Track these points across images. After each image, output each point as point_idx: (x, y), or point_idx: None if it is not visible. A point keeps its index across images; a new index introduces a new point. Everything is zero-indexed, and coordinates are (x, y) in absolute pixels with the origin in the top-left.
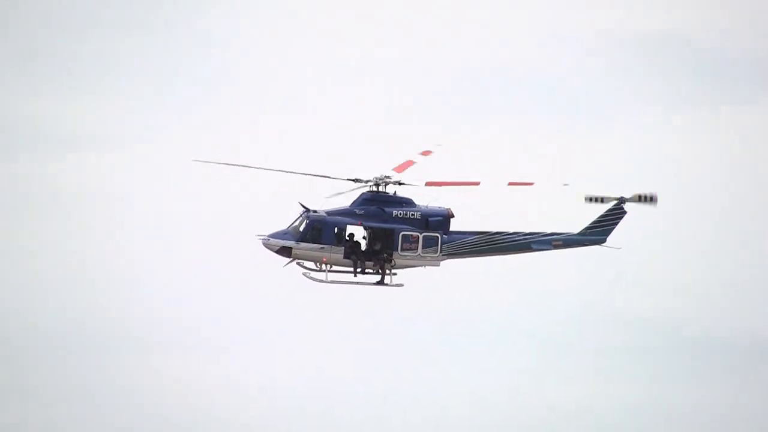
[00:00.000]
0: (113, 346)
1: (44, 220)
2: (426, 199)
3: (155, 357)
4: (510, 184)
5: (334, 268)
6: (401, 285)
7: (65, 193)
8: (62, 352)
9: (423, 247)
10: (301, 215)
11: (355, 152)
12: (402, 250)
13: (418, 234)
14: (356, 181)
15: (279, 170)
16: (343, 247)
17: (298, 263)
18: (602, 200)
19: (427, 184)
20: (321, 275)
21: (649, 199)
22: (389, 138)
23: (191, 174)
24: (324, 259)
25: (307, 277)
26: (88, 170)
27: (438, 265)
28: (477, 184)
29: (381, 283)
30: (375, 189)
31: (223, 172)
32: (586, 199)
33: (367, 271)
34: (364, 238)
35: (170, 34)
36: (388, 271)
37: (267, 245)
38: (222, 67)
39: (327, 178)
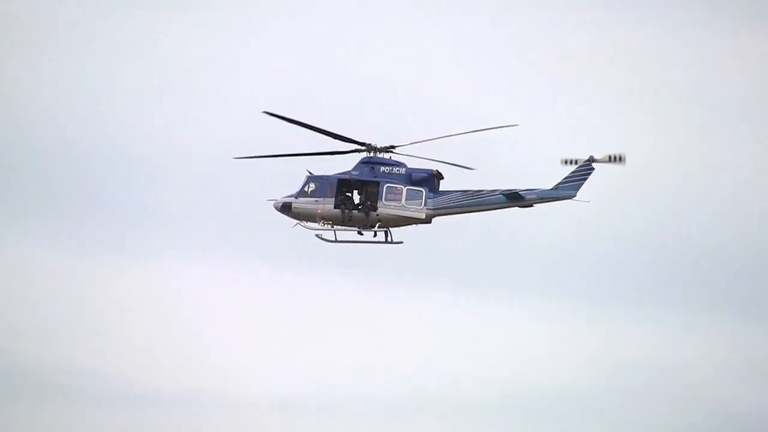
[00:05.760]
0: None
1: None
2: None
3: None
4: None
5: (346, 234)
6: (401, 242)
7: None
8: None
9: (407, 199)
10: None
11: (368, 116)
12: (386, 200)
13: (402, 187)
14: (356, 143)
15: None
16: (333, 199)
17: (305, 226)
18: (576, 162)
19: (411, 143)
20: (330, 235)
21: (618, 159)
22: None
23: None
24: (318, 211)
25: (319, 238)
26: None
27: (426, 220)
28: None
29: (365, 228)
30: (372, 154)
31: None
32: (562, 161)
33: (353, 219)
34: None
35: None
36: (385, 229)
37: (275, 206)
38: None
39: (331, 137)
